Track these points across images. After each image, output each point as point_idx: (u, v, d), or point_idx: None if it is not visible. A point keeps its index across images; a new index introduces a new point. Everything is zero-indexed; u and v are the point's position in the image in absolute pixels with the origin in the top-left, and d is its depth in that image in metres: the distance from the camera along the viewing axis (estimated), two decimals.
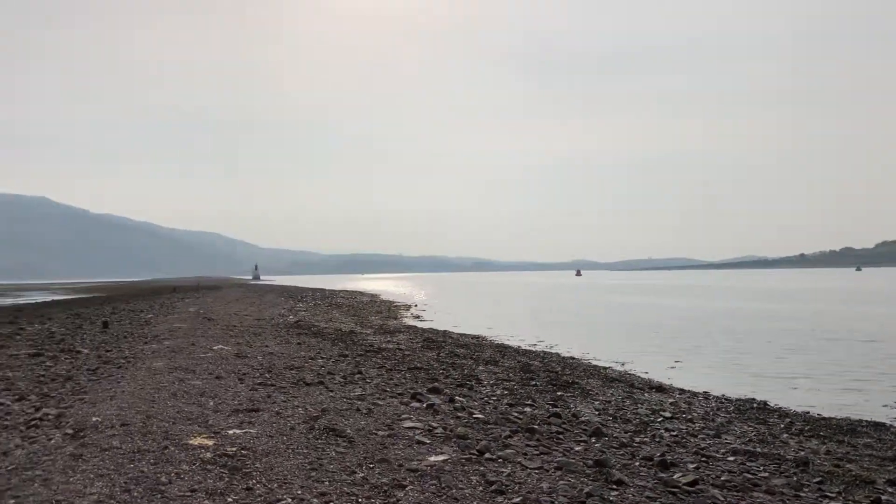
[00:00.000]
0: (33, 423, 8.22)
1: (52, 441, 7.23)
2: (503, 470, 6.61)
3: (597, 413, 10.39)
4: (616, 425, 9.56)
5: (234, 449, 6.85)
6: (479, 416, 9.20)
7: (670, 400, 12.36)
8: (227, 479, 5.98)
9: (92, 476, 5.92)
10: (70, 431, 7.56)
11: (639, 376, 15.52)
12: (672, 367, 17.55)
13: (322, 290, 70.82)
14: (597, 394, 12.25)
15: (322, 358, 14.30)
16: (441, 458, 6.90)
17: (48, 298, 60.97)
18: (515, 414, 9.52)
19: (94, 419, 8.08)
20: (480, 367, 14.46)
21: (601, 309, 44.63)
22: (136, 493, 5.54)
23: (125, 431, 7.44)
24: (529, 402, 10.59)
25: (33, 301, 54.41)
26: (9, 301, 61.19)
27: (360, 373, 12.47)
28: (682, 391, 13.73)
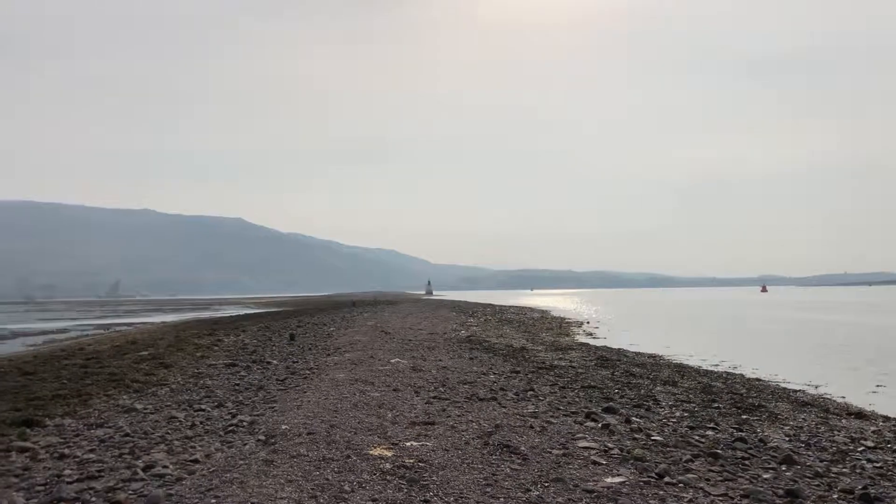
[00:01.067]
0: (230, 428, 8.86)
1: (247, 446, 7.75)
2: (684, 495, 6.31)
3: (787, 439, 9.67)
4: (809, 453, 8.85)
5: (411, 461, 7.03)
6: (658, 438, 8.86)
7: (872, 428, 11.29)
8: (405, 490, 6.14)
9: (282, 481, 6.28)
10: (262, 438, 8.08)
11: (834, 401, 14.31)
12: (873, 392, 16.05)
13: (492, 306, 71.42)
14: (786, 418, 11.43)
15: (494, 374, 14.38)
16: (618, 479, 6.70)
17: (241, 312, 65.79)
18: (697, 437, 9.08)
19: (283, 427, 8.58)
20: (658, 388, 13.95)
21: (789, 327, 41.79)
22: (321, 500, 5.81)
23: (311, 440, 7.84)
24: (712, 425, 10.06)
25: (229, 315, 58.93)
26: (208, 314, 66.67)
27: (532, 390, 12.41)
28: (886, 419, 12.51)
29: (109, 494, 6.24)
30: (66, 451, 7.98)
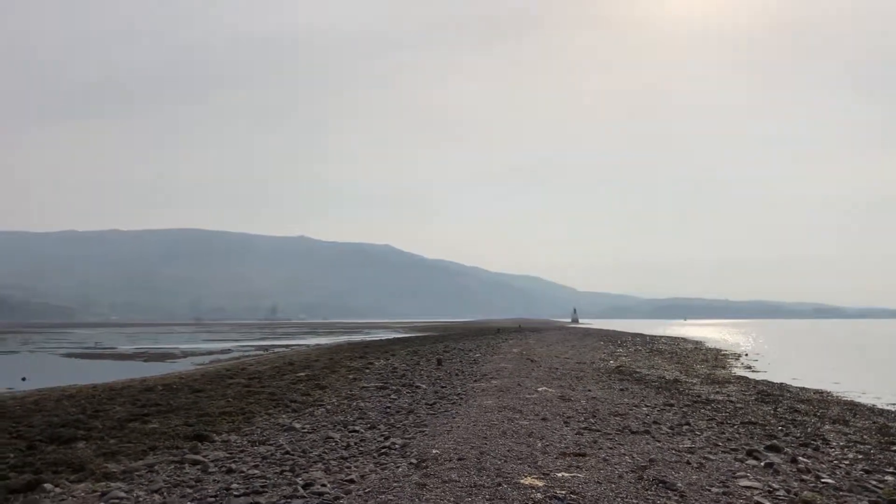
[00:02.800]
0: (383, 450, 9.07)
1: (400, 469, 7.90)
2: None
3: None
4: None
5: (563, 492, 6.90)
6: (828, 480, 8.23)
7: None
8: None
9: None
10: (414, 461, 8.21)
11: None
12: None
13: (641, 335, 69.37)
14: None
15: (646, 406, 13.92)
16: None
17: (390, 336, 67.52)
18: (874, 482, 8.36)
19: (434, 451, 8.68)
20: (826, 426, 13.00)
21: None
22: None
23: (462, 465, 7.88)
24: (892, 469, 9.24)
25: (378, 338, 60.66)
26: (359, 338, 68.94)
27: (688, 424, 11.90)
28: None
29: None
30: (233, 465, 8.45)
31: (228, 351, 49.12)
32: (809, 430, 12.36)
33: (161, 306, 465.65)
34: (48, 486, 7.59)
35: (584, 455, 8.68)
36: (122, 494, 7.22)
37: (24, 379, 27.07)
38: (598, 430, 10.53)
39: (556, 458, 8.48)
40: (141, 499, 7.09)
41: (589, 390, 16.02)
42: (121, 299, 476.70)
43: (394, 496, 6.71)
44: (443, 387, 16.49)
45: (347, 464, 8.41)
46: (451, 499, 6.58)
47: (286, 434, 10.64)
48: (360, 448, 9.38)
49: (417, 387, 16.56)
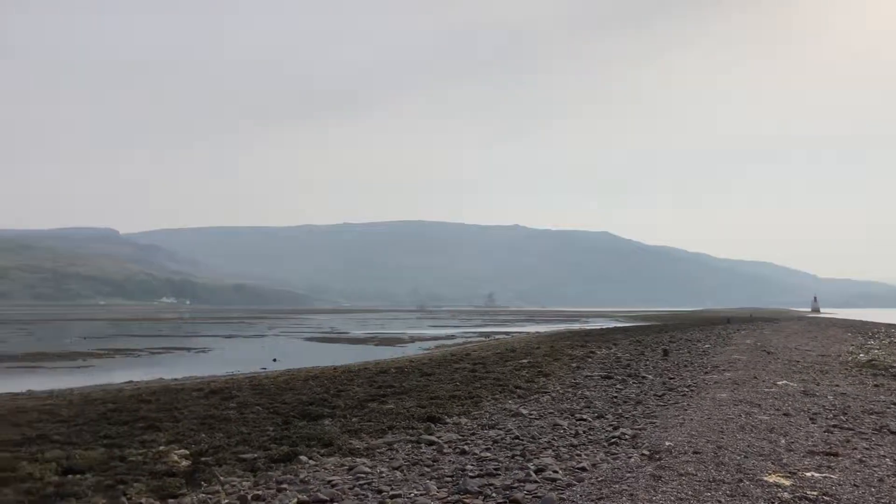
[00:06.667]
0: (613, 440, 8.93)
1: (632, 459, 7.73)
2: None
3: None
4: None
5: (814, 493, 6.40)
6: None
7: None
8: None
9: (672, 499, 6.14)
10: (646, 452, 8.00)
11: None
12: None
13: None
14: None
15: None
16: None
17: (610, 325, 66.47)
18: None
19: (666, 443, 8.41)
20: None
21: None
22: None
23: (698, 459, 7.56)
24: None
25: (598, 327, 59.93)
26: (577, 326, 68.55)
27: None
28: None
29: (507, 492, 6.67)
30: (466, 447, 8.74)
31: (452, 337, 50.96)
32: None
33: (385, 293, 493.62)
34: (303, 457, 8.30)
35: (836, 455, 7.98)
36: (367, 469, 7.72)
37: (274, 360, 29.87)
38: (851, 429, 9.63)
39: (803, 456, 7.87)
40: (384, 474, 7.54)
41: (836, 385, 14.70)
42: (350, 287, 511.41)
43: (627, 486, 6.57)
44: (671, 378, 15.94)
45: (577, 451, 8.38)
46: (690, 492, 6.33)
47: (514, 419, 10.82)
48: (589, 437, 9.31)
49: (643, 377, 16.14)
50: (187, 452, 8.68)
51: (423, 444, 9.02)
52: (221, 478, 7.46)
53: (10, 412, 12.89)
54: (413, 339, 47.86)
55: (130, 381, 20.67)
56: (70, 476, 7.64)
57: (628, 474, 7.03)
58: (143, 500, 6.74)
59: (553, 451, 8.46)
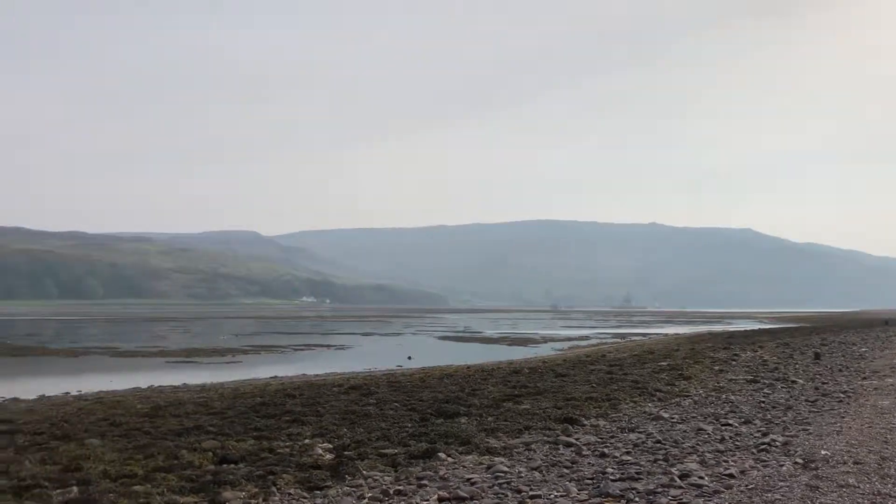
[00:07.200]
0: (762, 447, 8.48)
1: (784, 468, 7.32)
2: None
3: None
4: None
5: None
6: None
7: None
8: None
9: None
10: (800, 461, 7.55)
11: None
12: None
13: None
14: None
15: None
16: None
17: (754, 326, 63.41)
18: None
19: (822, 452, 7.91)
20: None
21: None
22: None
23: (860, 470, 7.06)
24: None
25: (741, 328, 57.28)
26: (720, 327, 65.81)
27: None
28: None
29: (651, 497, 6.47)
30: (606, 450, 8.55)
31: (586, 338, 50.29)
32: None
33: (518, 294, 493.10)
34: (442, 455, 8.39)
35: None
36: (505, 469, 7.71)
37: (409, 358, 30.54)
38: None
39: None
40: (522, 474, 7.50)
41: None
42: (483, 287, 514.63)
43: (781, 496, 6.23)
44: (824, 383, 14.98)
45: (724, 458, 8.02)
46: None
47: (655, 423, 10.50)
48: (736, 442, 8.89)
49: (793, 382, 15.25)
50: (331, 446, 9.00)
51: (560, 446, 8.91)
52: (364, 472, 7.67)
53: (170, 404, 13.83)
54: (545, 340, 47.60)
55: (276, 377, 21.70)
56: (224, 465, 8.09)
57: (781, 483, 6.66)
58: (291, 491, 7.02)
59: (698, 456, 8.14)
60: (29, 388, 18.68)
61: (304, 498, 6.82)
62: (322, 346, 41.83)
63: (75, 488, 7.08)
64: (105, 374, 23.86)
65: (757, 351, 24.46)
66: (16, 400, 16.44)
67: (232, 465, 8.05)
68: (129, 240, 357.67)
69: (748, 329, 54.28)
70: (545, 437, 9.44)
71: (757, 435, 9.34)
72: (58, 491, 7.00)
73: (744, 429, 9.85)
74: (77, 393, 17.74)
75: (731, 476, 7.10)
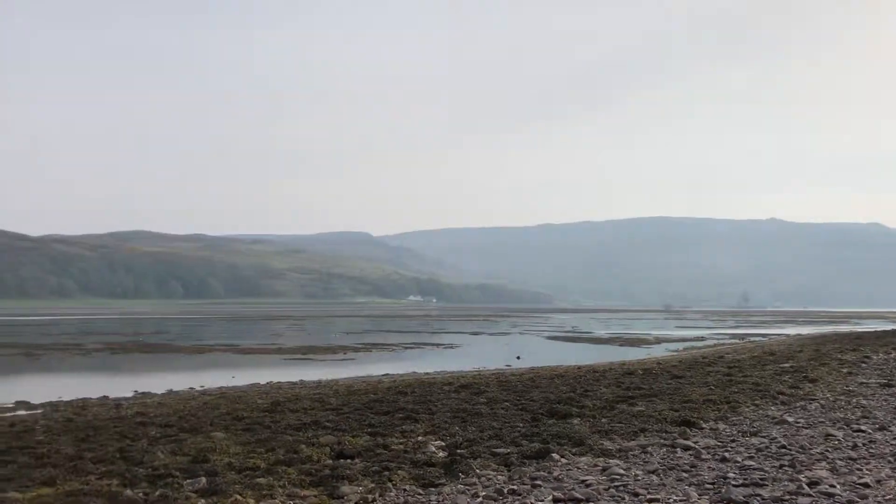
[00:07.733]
0: None
1: None
2: None
3: None
4: None
5: None
6: None
7: None
8: None
9: None
10: None
11: None
12: None
13: None
14: None
15: None
16: None
17: (886, 327, 59.62)
18: None
19: None
20: None
21: None
22: None
23: None
24: None
25: (871, 329, 54.00)
26: (846, 328, 62.30)
27: None
28: None
29: None
30: (727, 454, 8.23)
31: (702, 338, 48.66)
32: None
33: (629, 293, 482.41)
34: (555, 455, 8.29)
35: None
36: (621, 471, 7.53)
37: (518, 357, 30.39)
38: None
39: None
40: (639, 477, 7.31)
41: None
42: (591, 286, 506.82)
43: None
44: None
45: (857, 465, 7.56)
46: None
47: (779, 427, 10.02)
48: (871, 450, 8.36)
49: None
50: (443, 444, 9.06)
51: (678, 449, 8.64)
52: (478, 470, 7.67)
53: (288, 399, 14.33)
54: (659, 340, 46.35)
55: (387, 374, 22.09)
56: (341, 460, 8.29)
57: None
58: (406, 487, 7.11)
59: (828, 463, 7.70)
60: (159, 383, 19.74)
61: (419, 494, 6.89)
62: (430, 344, 42.26)
63: (203, 479, 7.42)
64: (226, 370, 24.94)
65: (891, 353, 23.01)
66: (147, 394, 17.44)
67: (349, 461, 8.24)
68: (248, 241, 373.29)
69: (879, 330, 51.07)
70: (662, 440, 9.18)
71: (894, 443, 8.77)
72: (188, 481, 7.36)
73: (878, 435, 9.26)
74: (201, 388, 18.62)
75: (867, 485, 6.68)
